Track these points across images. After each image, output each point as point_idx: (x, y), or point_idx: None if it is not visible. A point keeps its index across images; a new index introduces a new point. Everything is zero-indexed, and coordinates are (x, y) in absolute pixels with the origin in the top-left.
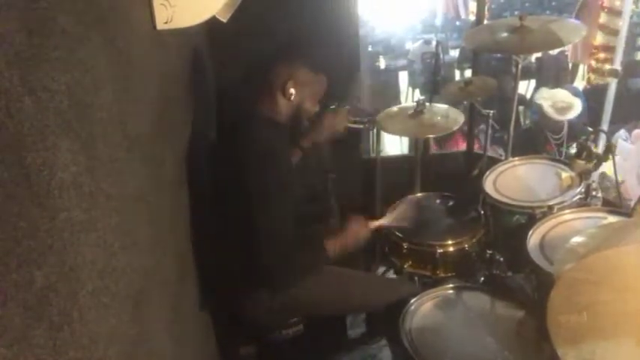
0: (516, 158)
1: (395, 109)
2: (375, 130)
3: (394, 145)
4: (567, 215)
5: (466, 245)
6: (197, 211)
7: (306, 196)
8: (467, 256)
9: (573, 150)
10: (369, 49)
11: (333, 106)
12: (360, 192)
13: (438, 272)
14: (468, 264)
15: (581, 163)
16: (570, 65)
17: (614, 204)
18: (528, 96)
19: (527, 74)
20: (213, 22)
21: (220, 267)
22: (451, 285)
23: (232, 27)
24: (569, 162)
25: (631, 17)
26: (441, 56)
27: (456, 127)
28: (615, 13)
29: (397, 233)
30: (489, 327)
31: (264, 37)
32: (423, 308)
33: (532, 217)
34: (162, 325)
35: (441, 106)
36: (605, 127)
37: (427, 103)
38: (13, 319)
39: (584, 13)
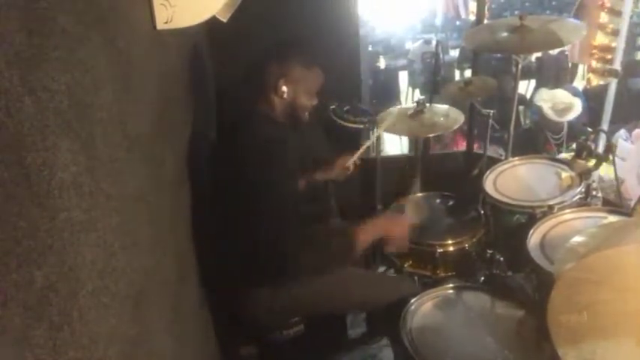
0: (516, 158)
1: (395, 109)
2: (375, 130)
3: (394, 145)
4: (567, 215)
5: (466, 245)
6: (197, 211)
7: (306, 196)
8: (467, 256)
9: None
10: (369, 49)
11: (333, 106)
12: (360, 192)
13: (438, 272)
14: (468, 264)
15: (581, 162)
16: (570, 65)
17: (615, 204)
18: (528, 96)
19: (527, 74)
20: (213, 22)
21: (220, 267)
22: (451, 285)
23: (232, 27)
24: (569, 162)
25: (631, 17)
26: (441, 56)
27: (456, 127)
28: (615, 13)
29: None
30: (489, 327)
31: (264, 37)
32: (423, 308)
33: (532, 216)
34: (162, 325)
35: (441, 106)
36: (605, 127)
37: (427, 103)
38: (13, 319)
39: (582, 13)
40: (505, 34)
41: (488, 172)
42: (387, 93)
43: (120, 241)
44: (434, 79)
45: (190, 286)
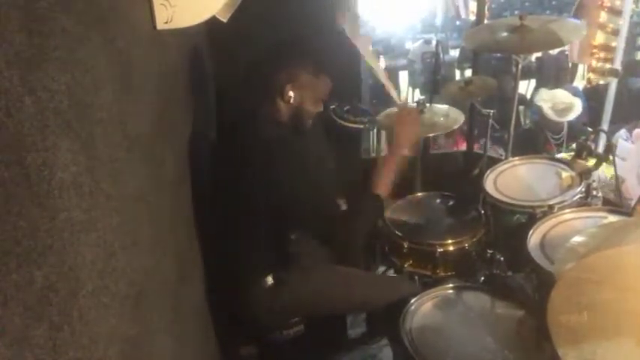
0: (516, 158)
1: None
2: (375, 130)
3: None
4: (568, 215)
5: (466, 245)
6: (197, 211)
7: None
8: (467, 256)
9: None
10: (369, 48)
11: (333, 106)
12: (360, 192)
13: (438, 272)
14: (468, 263)
15: (581, 162)
16: (570, 65)
17: (615, 203)
18: (528, 96)
19: (527, 74)
20: (213, 22)
21: (220, 267)
22: (451, 285)
23: (232, 27)
24: (569, 162)
25: (631, 17)
26: (441, 56)
27: (456, 126)
28: (615, 12)
29: (397, 232)
30: (489, 327)
31: (264, 37)
32: (423, 308)
33: (532, 216)
34: (163, 325)
35: (441, 106)
36: (605, 126)
37: (427, 103)
38: (13, 319)
39: (582, 13)
40: (505, 34)
41: (488, 171)
42: (387, 93)
43: (120, 241)
44: (434, 79)
45: (190, 286)
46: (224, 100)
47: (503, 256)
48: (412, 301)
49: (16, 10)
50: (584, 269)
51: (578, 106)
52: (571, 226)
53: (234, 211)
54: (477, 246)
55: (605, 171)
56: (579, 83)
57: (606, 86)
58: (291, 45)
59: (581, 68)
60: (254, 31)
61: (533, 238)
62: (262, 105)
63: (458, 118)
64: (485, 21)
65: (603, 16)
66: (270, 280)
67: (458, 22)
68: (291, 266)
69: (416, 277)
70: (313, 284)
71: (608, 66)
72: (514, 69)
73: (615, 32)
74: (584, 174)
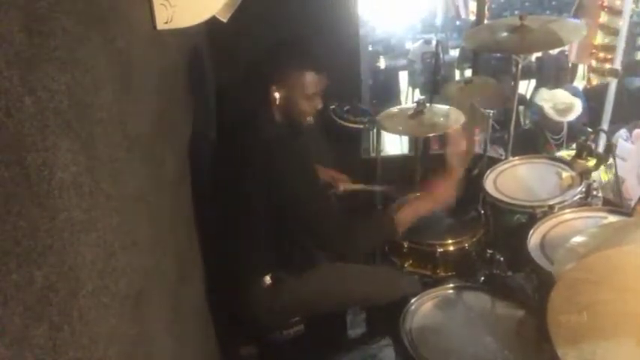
0: (516, 158)
1: (395, 109)
2: (375, 130)
3: (394, 145)
4: (568, 215)
5: (466, 245)
6: (197, 211)
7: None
8: (467, 256)
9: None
10: (369, 49)
11: (333, 106)
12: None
13: (438, 272)
14: (468, 263)
15: (581, 162)
16: (570, 65)
17: (615, 204)
18: (528, 96)
19: (527, 74)
20: (213, 22)
21: (220, 267)
22: (451, 284)
23: (232, 27)
24: (569, 161)
25: (631, 17)
26: (441, 56)
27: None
28: (615, 12)
29: None
30: (489, 327)
31: (264, 37)
32: (423, 308)
33: (532, 216)
34: (163, 325)
35: (441, 106)
36: (605, 126)
37: (427, 103)
38: (13, 319)
39: (582, 13)
40: (505, 34)
41: (488, 171)
42: (387, 93)
43: (120, 241)
44: (434, 79)
45: (190, 286)
46: (224, 100)
47: (503, 256)
48: (412, 301)
49: (16, 10)
50: (584, 269)
51: (578, 106)
52: (571, 226)
53: (234, 211)
54: (477, 246)
55: (602, 176)
56: (579, 83)
57: (606, 86)
58: (275, 44)
59: (581, 68)
60: (254, 31)
61: (533, 238)
62: (261, 105)
63: (458, 118)
64: (485, 21)
65: (603, 16)
66: (268, 279)
67: (458, 22)
68: (291, 265)
69: (416, 277)
70: (312, 282)
71: (608, 66)
72: (514, 69)
73: (615, 32)
74: (585, 174)
